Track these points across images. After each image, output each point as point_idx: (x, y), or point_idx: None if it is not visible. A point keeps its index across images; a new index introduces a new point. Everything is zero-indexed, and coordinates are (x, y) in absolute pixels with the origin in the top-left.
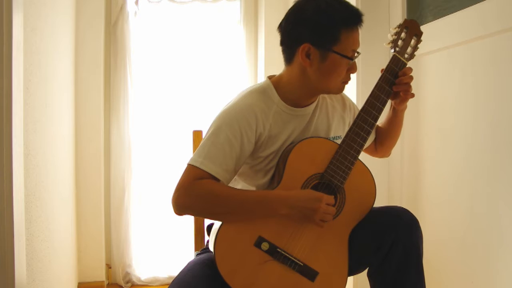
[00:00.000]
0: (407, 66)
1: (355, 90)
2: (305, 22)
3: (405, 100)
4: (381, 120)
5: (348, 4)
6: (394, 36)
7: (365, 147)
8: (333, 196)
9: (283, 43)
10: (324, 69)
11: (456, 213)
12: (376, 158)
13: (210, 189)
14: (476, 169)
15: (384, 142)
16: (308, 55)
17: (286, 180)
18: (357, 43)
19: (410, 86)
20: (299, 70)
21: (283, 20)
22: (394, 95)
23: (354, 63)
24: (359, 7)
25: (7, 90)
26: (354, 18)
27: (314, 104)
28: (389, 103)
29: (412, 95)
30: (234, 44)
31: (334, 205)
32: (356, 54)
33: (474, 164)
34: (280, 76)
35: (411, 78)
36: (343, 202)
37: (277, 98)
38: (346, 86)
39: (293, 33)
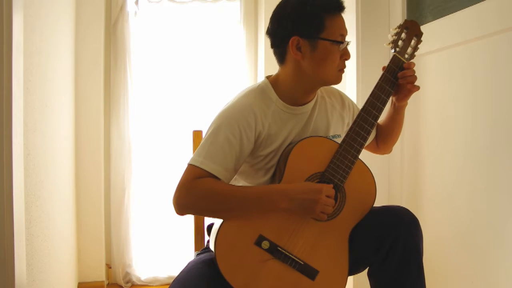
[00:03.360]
0: (411, 62)
1: (355, 90)
2: (289, 16)
3: (410, 93)
4: (382, 118)
5: None
6: (394, 37)
7: (366, 145)
8: (332, 185)
9: (273, 44)
10: (317, 58)
11: (456, 212)
12: (377, 158)
13: (210, 187)
14: (476, 169)
15: (386, 139)
16: (298, 48)
17: (287, 179)
18: (343, 28)
19: (415, 77)
20: (293, 67)
21: (269, 23)
22: (398, 91)
23: (346, 49)
24: (359, 7)
25: (7, 90)
26: (335, 4)
27: (312, 102)
28: (389, 102)
29: (418, 88)
30: (234, 44)
31: (334, 203)
32: (346, 42)
33: (474, 164)
34: (277, 75)
35: (414, 71)
36: (344, 201)
37: (275, 97)
38: (346, 86)
39: (279, 31)
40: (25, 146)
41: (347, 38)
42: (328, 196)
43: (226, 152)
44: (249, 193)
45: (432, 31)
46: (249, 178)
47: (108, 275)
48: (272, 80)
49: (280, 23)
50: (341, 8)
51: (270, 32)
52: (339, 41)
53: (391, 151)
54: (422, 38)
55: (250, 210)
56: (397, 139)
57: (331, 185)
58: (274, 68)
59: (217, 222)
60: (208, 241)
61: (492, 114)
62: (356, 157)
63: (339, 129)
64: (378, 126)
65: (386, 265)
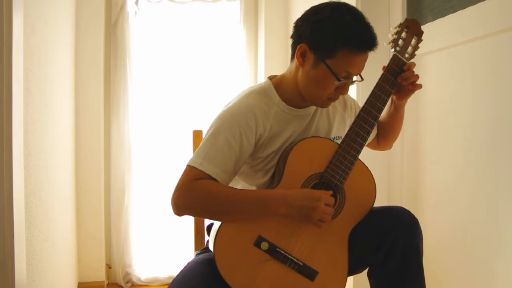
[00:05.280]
0: (411, 62)
1: (355, 90)
2: (312, 23)
3: (411, 92)
4: (382, 115)
5: (365, 27)
6: (394, 36)
7: (366, 144)
8: (331, 193)
9: (292, 36)
10: (312, 75)
11: (456, 213)
12: (377, 158)
13: (209, 189)
14: (476, 169)
15: (386, 136)
16: (303, 56)
17: (286, 179)
18: (354, 67)
19: (417, 77)
20: (295, 68)
21: (302, 14)
22: (398, 90)
23: (346, 85)
24: (359, 7)
25: (7, 90)
26: (361, 42)
27: None
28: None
29: (420, 86)
30: (234, 44)
31: (334, 205)
32: (355, 79)
33: (474, 164)
34: (283, 74)
35: (414, 72)
36: (343, 202)
37: (277, 99)
38: None
39: (299, 29)
40: (25, 146)
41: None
42: (327, 204)
43: (225, 154)
44: (247, 197)
45: (432, 31)
46: (249, 178)
47: (108, 275)
48: (275, 81)
49: (303, 23)
50: (365, 48)
51: (295, 25)
52: (337, 77)
53: (391, 147)
54: (422, 38)
55: (248, 213)
56: (397, 135)
57: (330, 192)
58: (274, 68)
59: (217, 222)
60: (208, 241)
61: (492, 114)
62: (356, 158)
63: (341, 130)
64: (379, 123)
65: (386, 266)
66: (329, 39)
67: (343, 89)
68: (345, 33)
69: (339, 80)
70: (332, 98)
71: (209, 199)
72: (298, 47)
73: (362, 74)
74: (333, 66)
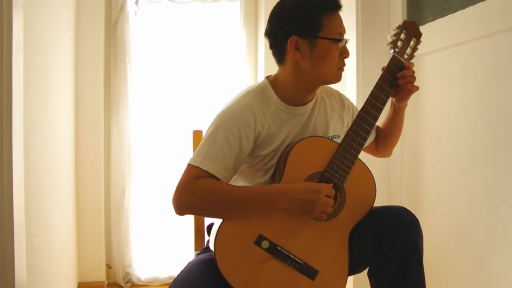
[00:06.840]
0: (410, 61)
1: (355, 90)
2: (286, 16)
3: (409, 94)
4: (382, 120)
5: None
6: (393, 37)
7: (365, 146)
8: (331, 185)
9: (271, 45)
10: (316, 57)
11: (456, 213)
12: (377, 158)
13: (210, 187)
14: (477, 170)
15: (385, 141)
16: (297, 48)
17: (287, 179)
18: (341, 26)
19: (414, 78)
20: (292, 67)
21: (267, 25)
22: (397, 92)
23: (345, 47)
24: (359, 7)
25: (7, 91)
26: (332, 2)
27: (312, 103)
28: (389, 102)
29: (417, 88)
30: (234, 44)
31: (334, 204)
32: (344, 40)
33: (474, 165)
34: (276, 76)
35: (414, 71)
36: (343, 202)
37: (274, 97)
38: (346, 86)
39: (278, 31)
40: (25, 146)
41: (346, 37)
42: (327, 196)
43: (225, 152)
44: (248, 193)
45: (432, 31)
46: (249, 178)
47: (108, 275)
48: (272, 81)
49: (278, 24)
50: (338, 6)
51: (269, 33)
52: (338, 39)
53: (391, 154)
54: (421, 38)
55: (249, 210)
56: (397, 141)
57: (331, 185)
58: (274, 68)
59: (217, 222)
60: (208, 241)
61: (493, 115)
62: (356, 157)
63: (339, 129)
64: (378, 128)
65: (386, 265)
66: (309, 17)
67: (345, 52)
68: (317, 3)
69: (340, 41)
70: (341, 68)
71: (210, 197)
72: (289, 42)
73: (362, 74)
74: (327, 34)
